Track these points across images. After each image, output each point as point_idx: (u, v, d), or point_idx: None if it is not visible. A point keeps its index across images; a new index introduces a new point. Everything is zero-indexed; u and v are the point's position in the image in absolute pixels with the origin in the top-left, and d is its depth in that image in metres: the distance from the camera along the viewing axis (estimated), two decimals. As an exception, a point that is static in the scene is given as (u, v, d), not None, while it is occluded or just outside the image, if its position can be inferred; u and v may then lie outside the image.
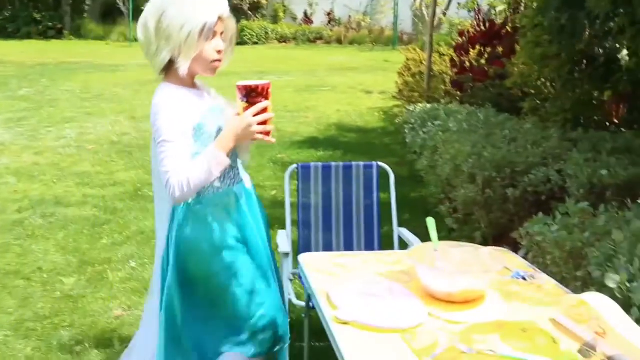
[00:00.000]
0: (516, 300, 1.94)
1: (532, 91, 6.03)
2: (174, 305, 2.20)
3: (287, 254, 2.82)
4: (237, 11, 23.10)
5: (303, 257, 2.28)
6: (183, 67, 2.04)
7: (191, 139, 2.05)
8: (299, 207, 3.19)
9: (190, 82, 2.18)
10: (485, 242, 4.24)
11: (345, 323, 1.78)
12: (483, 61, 7.50)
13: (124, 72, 14.15)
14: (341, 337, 1.72)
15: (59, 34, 23.10)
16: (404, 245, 3.12)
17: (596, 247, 2.64)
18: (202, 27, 1.99)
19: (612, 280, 2.22)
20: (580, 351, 1.62)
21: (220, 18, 2.05)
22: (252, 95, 1.97)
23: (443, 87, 7.90)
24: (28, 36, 22.48)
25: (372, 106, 10.25)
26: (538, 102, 5.90)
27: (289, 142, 7.70)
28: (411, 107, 6.53)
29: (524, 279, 2.07)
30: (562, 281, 2.89)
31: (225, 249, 2.16)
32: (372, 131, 8.43)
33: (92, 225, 4.87)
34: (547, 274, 2.92)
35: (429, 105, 6.48)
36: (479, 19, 8.24)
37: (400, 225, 5.03)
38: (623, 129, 5.08)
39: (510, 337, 1.69)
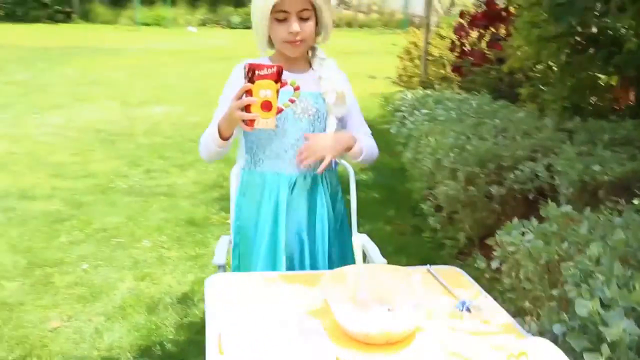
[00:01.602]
0: (454, 340, 1.57)
1: (531, 76, 5.60)
2: None
3: (220, 266, 2.46)
4: (245, -7, 22.72)
5: (210, 281, 1.92)
6: (260, 46, 2.09)
7: None
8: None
9: (286, 59, 2.07)
10: (469, 244, 3.88)
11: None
12: (483, 44, 7.06)
13: (125, 57, 13.87)
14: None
15: (67, 18, 22.89)
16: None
17: (574, 261, 2.26)
18: (268, 8, 1.95)
19: (582, 307, 1.85)
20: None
21: None
22: (253, 76, 1.77)
23: (442, 71, 7.48)
24: (37, 20, 22.26)
25: (374, 92, 9.84)
26: (539, 87, 5.48)
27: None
28: (404, 94, 6.14)
29: (469, 310, 1.71)
30: (536, 301, 2.53)
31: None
32: (368, 119, 8.03)
33: (52, 221, 4.57)
34: (520, 292, 2.58)
35: (422, 92, 6.08)
36: (481, -1, 7.78)
37: (386, 222, 4.73)
38: (629, 118, 4.66)
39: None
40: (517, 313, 2.55)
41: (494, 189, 3.60)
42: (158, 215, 4.73)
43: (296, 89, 2.03)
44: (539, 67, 5.50)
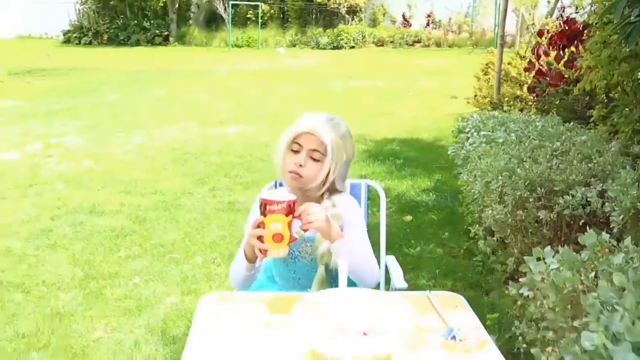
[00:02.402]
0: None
1: (606, 97, 5.36)
2: None
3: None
4: (334, 15, 23.01)
5: (206, 298, 1.95)
6: (279, 172, 2.20)
7: None
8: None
9: (302, 193, 2.17)
10: (518, 272, 3.73)
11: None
12: (562, 64, 6.81)
13: (213, 77, 14.32)
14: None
15: (165, 41, 23.92)
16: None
17: (599, 292, 2.13)
18: (289, 137, 2.12)
19: (587, 340, 1.74)
20: None
21: (311, 133, 2.10)
22: (265, 210, 1.87)
23: (518, 92, 7.27)
24: (137, 43, 23.42)
25: (452, 112, 9.70)
26: (611, 109, 5.23)
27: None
28: (470, 115, 5.99)
29: (454, 338, 1.64)
30: (559, 331, 2.39)
31: None
32: (439, 140, 7.93)
33: (115, 237, 4.76)
34: (546, 320, 2.45)
35: (488, 113, 5.92)
36: (561, 17, 7.53)
37: (439, 244, 4.62)
38: None
39: None
40: (540, 343, 2.43)
41: (543, 214, 3.45)
42: (215, 233, 4.83)
43: (305, 230, 2.02)
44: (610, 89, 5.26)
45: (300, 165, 2.10)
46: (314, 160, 2.12)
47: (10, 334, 3.36)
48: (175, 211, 5.34)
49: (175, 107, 10.50)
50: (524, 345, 2.59)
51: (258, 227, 1.89)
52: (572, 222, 3.60)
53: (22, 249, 4.51)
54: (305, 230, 1.99)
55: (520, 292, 2.60)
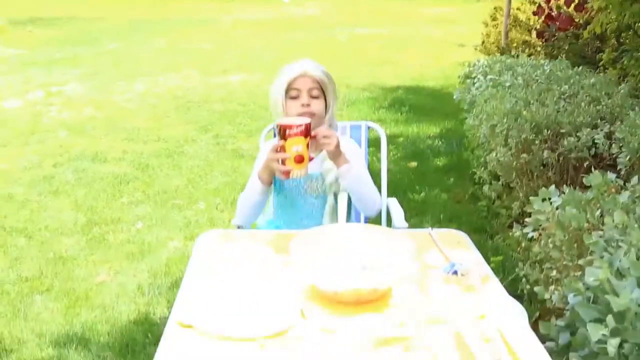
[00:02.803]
0: (427, 305, 1.49)
1: (616, 41, 5.23)
2: None
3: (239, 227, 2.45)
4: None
5: (202, 237, 1.93)
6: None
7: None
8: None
9: None
10: (523, 215, 3.69)
11: (188, 327, 1.43)
12: (571, 8, 6.64)
13: (215, 27, 14.10)
14: (170, 343, 1.37)
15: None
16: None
17: (604, 229, 2.10)
18: (283, 86, 2.20)
19: (591, 276, 1.71)
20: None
21: (303, 76, 2.20)
22: (284, 134, 1.96)
23: (527, 37, 7.12)
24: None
25: (459, 60, 9.52)
26: (621, 52, 5.12)
27: (355, 98, 7.26)
28: (477, 60, 5.88)
29: (456, 273, 1.61)
30: (563, 270, 2.36)
31: None
32: (446, 87, 7.81)
33: (118, 183, 4.74)
34: (550, 259, 2.42)
35: (495, 58, 5.80)
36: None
37: (444, 189, 4.58)
38: None
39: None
40: (544, 282, 2.41)
41: (548, 155, 3.40)
42: (218, 179, 4.80)
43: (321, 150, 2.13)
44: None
45: (308, 105, 2.21)
46: (314, 97, 2.23)
47: (13, 277, 3.36)
48: (178, 158, 5.31)
49: (177, 56, 10.36)
50: (528, 287, 2.57)
51: (278, 152, 1.99)
52: (577, 164, 3.55)
53: (25, 194, 4.50)
54: (320, 150, 2.11)
55: (525, 232, 2.57)
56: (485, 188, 3.97)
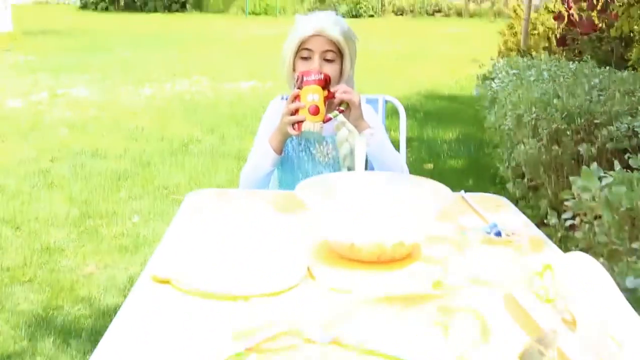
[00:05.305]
0: (465, 267, 1.20)
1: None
2: None
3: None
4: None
5: (192, 195, 1.65)
6: (288, 83, 1.99)
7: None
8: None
9: None
10: (548, 216, 3.38)
11: (163, 282, 1.14)
12: (594, 14, 6.37)
13: (228, 40, 13.96)
14: (139, 299, 1.08)
15: (182, 8, 23.51)
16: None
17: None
18: (294, 44, 1.92)
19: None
20: (524, 356, 0.88)
21: (318, 35, 1.90)
22: (301, 82, 1.79)
23: (546, 44, 6.86)
24: (154, 10, 23.03)
25: (474, 73, 9.29)
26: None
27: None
28: (496, 60, 5.62)
29: (499, 234, 1.32)
30: (613, 256, 2.06)
31: None
32: (462, 97, 7.55)
33: (117, 178, 4.47)
34: (595, 245, 2.12)
35: (517, 58, 5.54)
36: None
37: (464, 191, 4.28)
38: None
39: (414, 318, 0.98)
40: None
41: (583, 148, 3.10)
42: (222, 177, 4.54)
43: (341, 111, 1.84)
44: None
45: (319, 72, 1.90)
46: (328, 61, 1.92)
47: (-6, 266, 3.08)
48: (181, 156, 5.05)
49: (188, 64, 10.16)
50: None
51: (293, 102, 1.78)
52: (613, 158, 3.25)
53: (17, 186, 4.24)
54: (340, 111, 1.80)
55: (563, 218, 2.28)
56: (509, 186, 3.67)
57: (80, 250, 3.30)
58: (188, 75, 9.01)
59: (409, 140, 5.25)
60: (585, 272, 0.95)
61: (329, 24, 1.92)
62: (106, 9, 23.12)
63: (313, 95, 1.75)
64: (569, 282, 0.94)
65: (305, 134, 1.80)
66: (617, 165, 2.15)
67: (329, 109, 1.81)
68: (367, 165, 1.93)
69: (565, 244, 2.35)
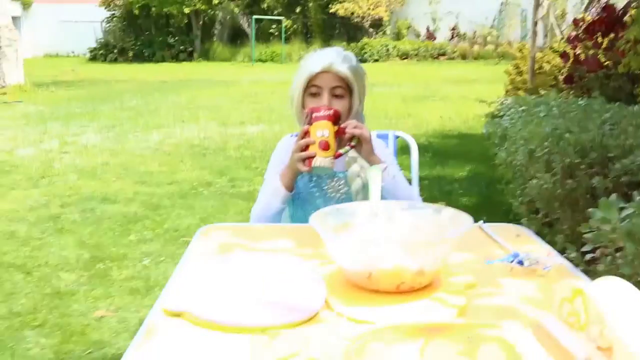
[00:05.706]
0: (484, 295, 1.16)
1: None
2: None
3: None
4: (358, 29, 22.80)
5: (203, 229, 1.63)
6: (297, 121, 1.98)
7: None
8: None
9: None
10: (565, 250, 3.33)
11: (175, 315, 1.11)
12: (600, 52, 6.41)
13: (235, 87, 14.10)
14: (149, 334, 1.05)
15: (189, 57, 23.86)
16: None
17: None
18: (303, 82, 1.91)
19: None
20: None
21: (327, 71, 1.89)
22: (312, 115, 1.78)
23: (553, 82, 6.88)
24: (162, 60, 23.38)
25: (481, 113, 9.32)
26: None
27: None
28: (505, 99, 5.64)
29: (521, 263, 1.28)
30: (639, 286, 2.01)
31: None
32: (471, 136, 7.55)
33: (127, 222, 4.45)
34: (619, 277, 2.07)
35: (525, 96, 5.55)
36: (598, 5, 7.15)
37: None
38: None
39: (438, 350, 0.94)
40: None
41: (597, 181, 3.07)
42: (232, 218, 4.51)
43: (352, 146, 1.83)
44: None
45: (329, 108, 1.89)
46: (337, 97, 1.91)
47: (4, 312, 3.04)
48: (191, 199, 5.03)
49: (196, 110, 10.24)
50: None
51: (303, 138, 1.77)
52: (629, 192, 3.22)
53: (27, 232, 4.22)
54: (351, 146, 1.79)
55: (583, 251, 2.23)
56: (524, 222, 3.62)
57: (91, 294, 3.26)
58: (196, 121, 9.08)
59: (418, 179, 5.26)
60: (620, 296, 0.92)
61: (338, 60, 1.91)
62: (115, 59, 23.48)
63: (323, 131, 1.74)
64: (604, 307, 0.91)
65: (316, 169, 1.78)
66: (637, 196, 2.11)
67: (340, 144, 1.80)
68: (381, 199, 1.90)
69: (588, 277, 2.30)
